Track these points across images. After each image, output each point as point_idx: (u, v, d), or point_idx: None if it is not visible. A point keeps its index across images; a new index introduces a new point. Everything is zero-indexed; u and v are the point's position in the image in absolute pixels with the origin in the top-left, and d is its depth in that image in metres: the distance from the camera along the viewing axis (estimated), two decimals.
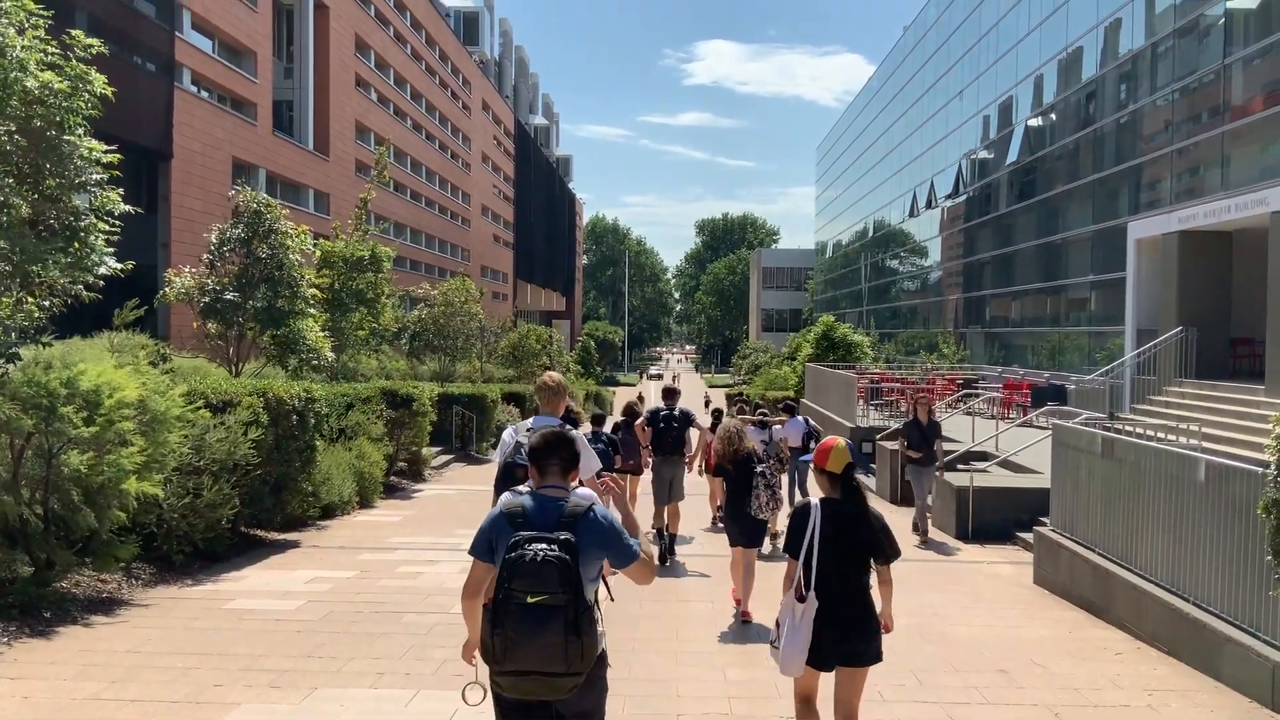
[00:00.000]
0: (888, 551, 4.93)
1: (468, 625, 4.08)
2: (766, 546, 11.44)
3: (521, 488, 4.03)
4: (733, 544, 8.93)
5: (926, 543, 13.00)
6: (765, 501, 8.83)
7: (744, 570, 8.72)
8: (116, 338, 13.26)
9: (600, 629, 3.87)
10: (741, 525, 8.84)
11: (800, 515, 4.95)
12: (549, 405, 6.18)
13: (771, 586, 7.88)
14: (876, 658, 4.87)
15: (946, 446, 17.88)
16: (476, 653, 4.01)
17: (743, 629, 8.43)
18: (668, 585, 9.84)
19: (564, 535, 3.70)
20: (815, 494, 5.16)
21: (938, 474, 14.02)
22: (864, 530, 4.87)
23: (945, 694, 6.73)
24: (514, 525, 3.80)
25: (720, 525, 12.70)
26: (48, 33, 10.36)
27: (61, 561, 8.41)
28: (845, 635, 4.79)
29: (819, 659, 4.82)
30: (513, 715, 3.88)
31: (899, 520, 15.37)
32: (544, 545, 3.66)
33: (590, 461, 5.73)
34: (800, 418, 15.35)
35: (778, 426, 14.02)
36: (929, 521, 13.45)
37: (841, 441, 5.09)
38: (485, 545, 3.89)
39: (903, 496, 17.27)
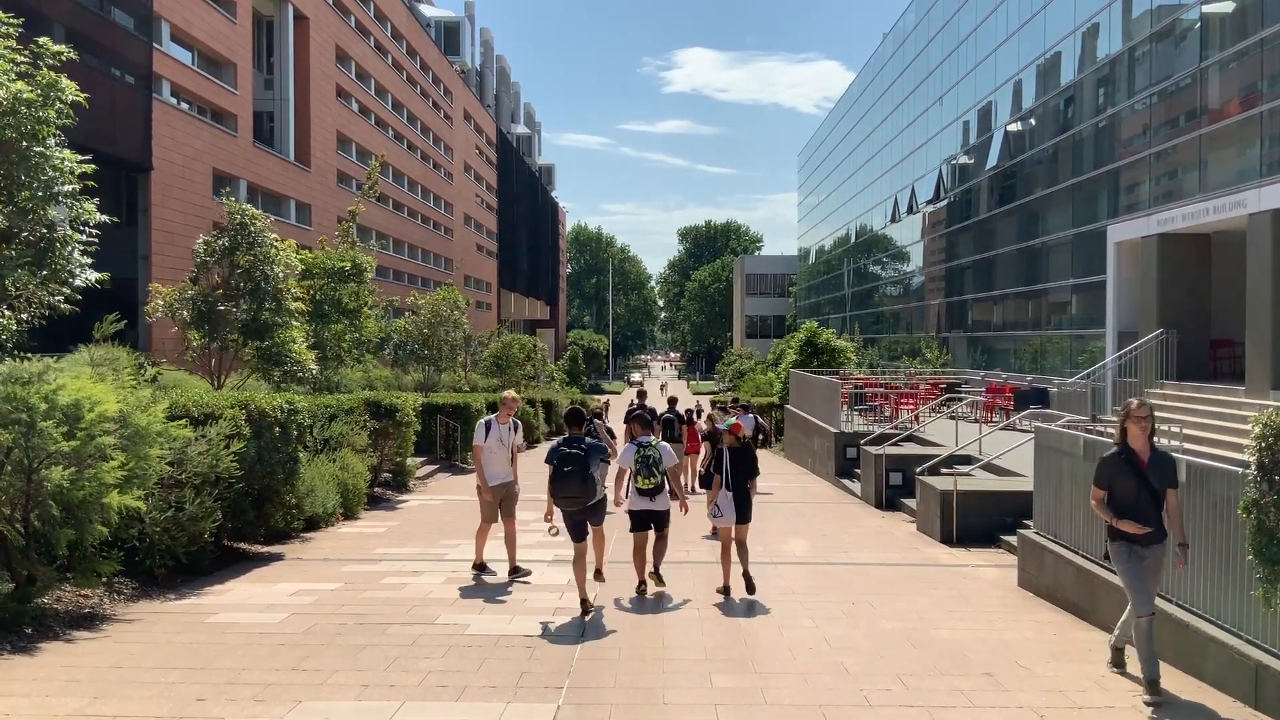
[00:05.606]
0: (755, 472, 10.51)
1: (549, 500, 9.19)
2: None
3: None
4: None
5: (1160, 707, 6.53)
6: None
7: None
8: (96, 352, 13.10)
9: (601, 488, 9.18)
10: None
11: (718, 454, 10.34)
12: (505, 415, 10.90)
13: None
14: (750, 519, 10.18)
15: (930, 450, 17.92)
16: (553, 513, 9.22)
17: (730, 634, 8.48)
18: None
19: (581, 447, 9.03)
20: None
21: (1178, 559, 6.84)
22: (747, 461, 10.29)
23: (931, 698, 6.75)
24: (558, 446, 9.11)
25: (695, 491, 18.40)
26: (18, 42, 10.22)
27: (43, 577, 8.34)
28: (741, 508, 10.06)
29: (735, 519, 10.02)
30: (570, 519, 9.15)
31: (888, 525, 15.44)
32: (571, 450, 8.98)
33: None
34: (751, 415, 20.58)
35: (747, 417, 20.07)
36: (1153, 654, 6.72)
37: (743, 422, 11.77)
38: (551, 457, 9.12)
39: (887, 502, 17.24)
